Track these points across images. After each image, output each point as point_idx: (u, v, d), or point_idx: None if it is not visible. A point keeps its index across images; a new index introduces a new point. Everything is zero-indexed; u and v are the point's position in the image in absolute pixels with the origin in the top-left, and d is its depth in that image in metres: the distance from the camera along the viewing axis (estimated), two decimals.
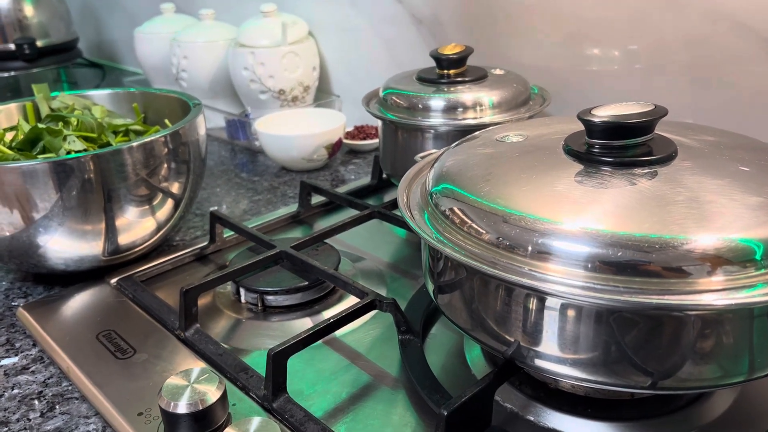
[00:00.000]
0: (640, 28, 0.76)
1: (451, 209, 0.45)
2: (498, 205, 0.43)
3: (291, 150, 0.97)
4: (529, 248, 0.40)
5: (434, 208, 0.47)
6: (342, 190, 0.86)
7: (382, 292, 0.63)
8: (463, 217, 0.44)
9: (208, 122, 0.98)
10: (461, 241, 0.43)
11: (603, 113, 0.45)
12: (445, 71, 0.75)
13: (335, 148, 0.99)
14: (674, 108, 0.46)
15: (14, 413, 0.52)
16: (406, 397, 0.51)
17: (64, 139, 0.70)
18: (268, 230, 0.79)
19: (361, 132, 1.08)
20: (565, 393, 0.48)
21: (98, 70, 1.85)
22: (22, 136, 0.72)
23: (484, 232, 0.42)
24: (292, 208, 0.84)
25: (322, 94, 1.21)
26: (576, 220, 0.40)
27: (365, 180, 0.93)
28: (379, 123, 0.81)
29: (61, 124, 0.74)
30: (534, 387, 0.49)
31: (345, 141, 1.04)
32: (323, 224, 0.80)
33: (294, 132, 0.98)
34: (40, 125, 0.71)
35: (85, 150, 0.70)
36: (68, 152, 0.69)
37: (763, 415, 0.47)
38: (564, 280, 0.38)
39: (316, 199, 0.84)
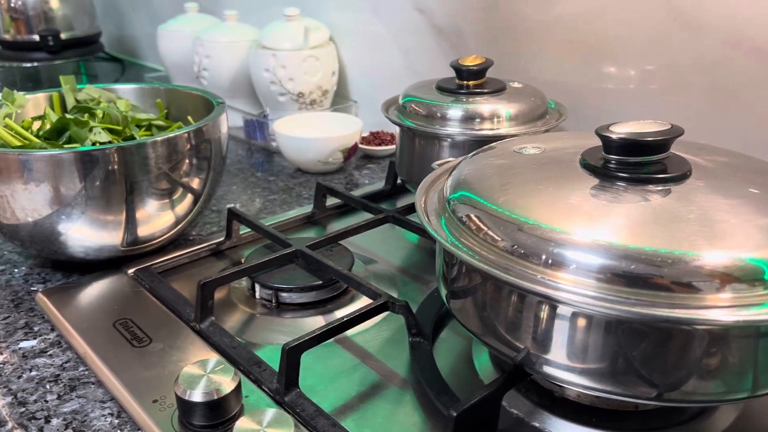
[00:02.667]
0: (657, 49, 0.77)
1: (467, 216, 0.46)
2: (514, 214, 0.44)
3: (308, 152, 0.99)
4: (543, 257, 0.41)
5: (451, 214, 0.48)
6: (356, 193, 0.87)
7: (393, 295, 0.64)
8: (480, 224, 0.45)
9: None
10: (476, 247, 0.44)
11: (621, 130, 0.46)
12: (465, 82, 0.76)
13: (351, 152, 1.01)
14: (688, 129, 0.47)
15: (32, 394, 0.53)
16: (414, 398, 0.52)
17: (90, 130, 0.71)
18: (283, 229, 0.80)
19: (376, 138, 1.10)
20: (571, 401, 0.49)
21: (118, 64, 1.87)
22: (48, 126, 0.74)
23: (499, 239, 0.43)
24: (307, 208, 0.85)
25: (340, 98, 1.22)
26: (590, 232, 0.41)
27: (379, 185, 0.94)
28: (396, 129, 0.82)
29: (87, 115, 0.75)
30: (540, 394, 0.50)
31: (360, 146, 1.06)
32: (337, 226, 0.81)
33: (311, 134, 0.99)
34: (68, 116, 0.72)
35: (110, 142, 0.72)
36: (94, 143, 0.71)
37: None
38: (577, 289, 0.39)
39: (331, 201, 0.85)
